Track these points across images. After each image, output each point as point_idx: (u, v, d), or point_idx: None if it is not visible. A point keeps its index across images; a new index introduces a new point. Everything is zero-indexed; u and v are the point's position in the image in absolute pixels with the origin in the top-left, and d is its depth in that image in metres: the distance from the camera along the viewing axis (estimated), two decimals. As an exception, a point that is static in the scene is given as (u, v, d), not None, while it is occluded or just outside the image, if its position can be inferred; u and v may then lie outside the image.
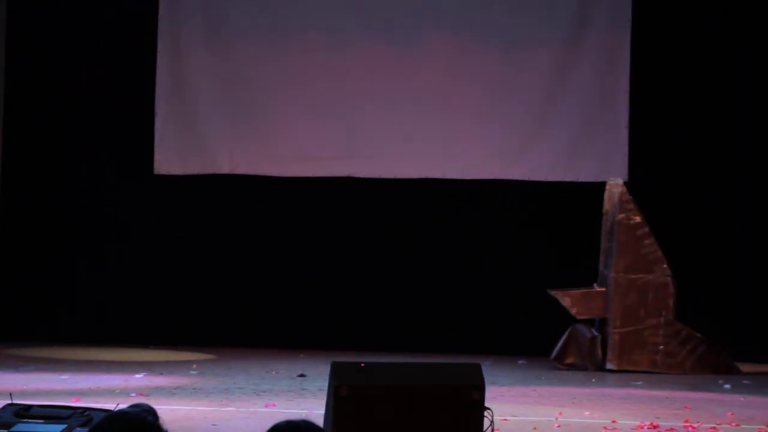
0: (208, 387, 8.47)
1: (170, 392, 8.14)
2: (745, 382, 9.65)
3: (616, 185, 10.69)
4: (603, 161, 11.55)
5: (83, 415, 5.20)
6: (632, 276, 10.48)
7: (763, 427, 7.17)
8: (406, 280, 11.58)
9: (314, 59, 11.78)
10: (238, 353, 11.07)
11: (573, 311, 10.61)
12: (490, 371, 9.87)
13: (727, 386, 9.28)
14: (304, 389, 8.50)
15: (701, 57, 11.66)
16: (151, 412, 3.66)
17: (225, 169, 11.84)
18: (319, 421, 4.94)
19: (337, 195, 11.79)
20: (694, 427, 7.06)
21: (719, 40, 11.63)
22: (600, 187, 11.28)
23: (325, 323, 11.68)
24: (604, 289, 10.58)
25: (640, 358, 10.37)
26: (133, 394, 7.78)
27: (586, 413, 7.64)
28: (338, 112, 11.75)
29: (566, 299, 10.61)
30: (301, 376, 9.27)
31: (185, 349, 11.23)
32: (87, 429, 4.91)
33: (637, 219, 10.57)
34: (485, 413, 5.18)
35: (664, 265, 10.52)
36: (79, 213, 12.01)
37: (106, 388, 8.26)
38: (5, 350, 10.89)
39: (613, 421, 7.20)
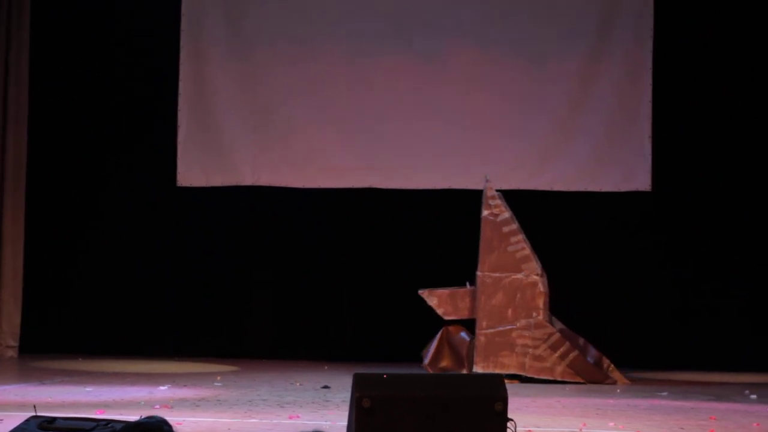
0: (231, 399, 8.48)
1: (194, 404, 8.14)
2: (772, 392, 9.59)
3: (486, 184, 10.25)
4: (626, 171, 11.53)
5: (107, 426, 5.22)
6: (498, 275, 10.06)
7: (789, 437, 7.12)
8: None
9: (336, 69, 11.80)
10: (262, 365, 11.09)
11: (440, 311, 10.21)
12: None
13: (753, 396, 9.23)
14: (327, 401, 8.49)
15: (725, 65, 11.62)
16: (166, 422, 3.75)
17: (247, 180, 11.86)
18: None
19: (358, 206, 11.79)
20: (719, 438, 7.02)
21: (744, 48, 11.59)
22: (623, 197, 11.30)
23: (350, 335, 11.68)
24: (473, 288, 10.18)
25: (509, 360, 9.95)
26: (158, 406, 7.79)
27: (611, 424, 7.61)
28: (360, 123, 11.77)
29: (433, 299, 10.21)
30: (325, 387, 9.27)
31: (209, 361, 11.26)
32: (110, 441, 4.93)
33: (504, 215, 10.14)
34: (508, 424, 5.17)
35: (533, 264, 10.07)
36: (104, 224, 12.06)
37: (131, 400, 8.27)
38: (31, 363, 10.94)
39: (638, 432, 7.16)
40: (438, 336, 10.24)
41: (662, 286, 11.62)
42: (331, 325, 11.72)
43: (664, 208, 11.63)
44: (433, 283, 11.51)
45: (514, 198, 11.62)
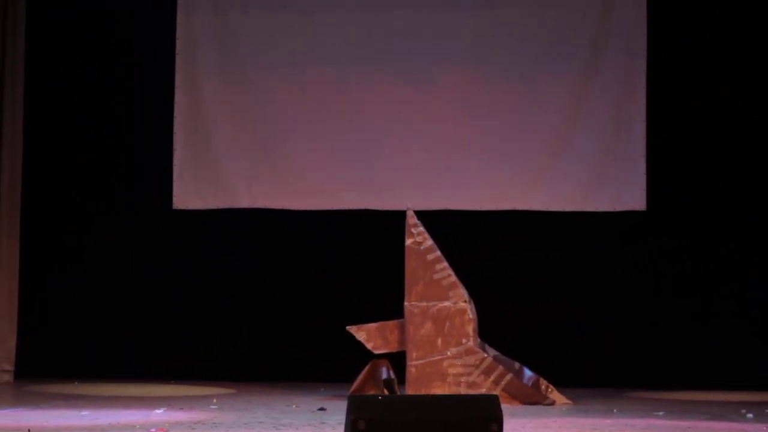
0: (227, 421, 8.47)
1: (190, 427, 8.13)
2: None
3: (407, 211, 10.19)
4: (621, 191, 11.54)
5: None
6: (426, 304, 9.97)
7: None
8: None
9: (329, 93, 11.83)
10: (258, 387, 11.08)
11: (369, 346, 10.08)
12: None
13: (750, 416, 9.22)
14: (323, 423, 8.49)
15: (720, 82, 11.65)
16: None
17: (244, 203, 11.88)
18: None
19: (353, 227, 11.80)
20: (715, 457, 7.01)
21: (738, 64, 11.62)
22: (617, 216, 11.32)
23: (346, 356, 11.65)
24: (401, 320, 10.06)
25: (441, 391, 9.81)
26: (153, 430, 7.78)
27: (607, 444, 7.60)
28: (354, 145, 11.79)
29: (362, 334, 10.09)
30: (321, 409, 9.27)
31: (205, 383, 11.24)
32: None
33: (428, 243, 10.06)
34: (503, 445, 5.17)
35: (460, 290, 9.98)
36: (100, 248, 12.05)
37: (126, 423, 8.26)
38: (26, 387, 10.93)
39: (634, 452, 7.15)
40: (365, 369, 10.04)
41: (660, 305, 11.61)
42: (327, 346, 11.70)
43: (658, 227, 11.63)
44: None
45: (508, 218, 11.67)
